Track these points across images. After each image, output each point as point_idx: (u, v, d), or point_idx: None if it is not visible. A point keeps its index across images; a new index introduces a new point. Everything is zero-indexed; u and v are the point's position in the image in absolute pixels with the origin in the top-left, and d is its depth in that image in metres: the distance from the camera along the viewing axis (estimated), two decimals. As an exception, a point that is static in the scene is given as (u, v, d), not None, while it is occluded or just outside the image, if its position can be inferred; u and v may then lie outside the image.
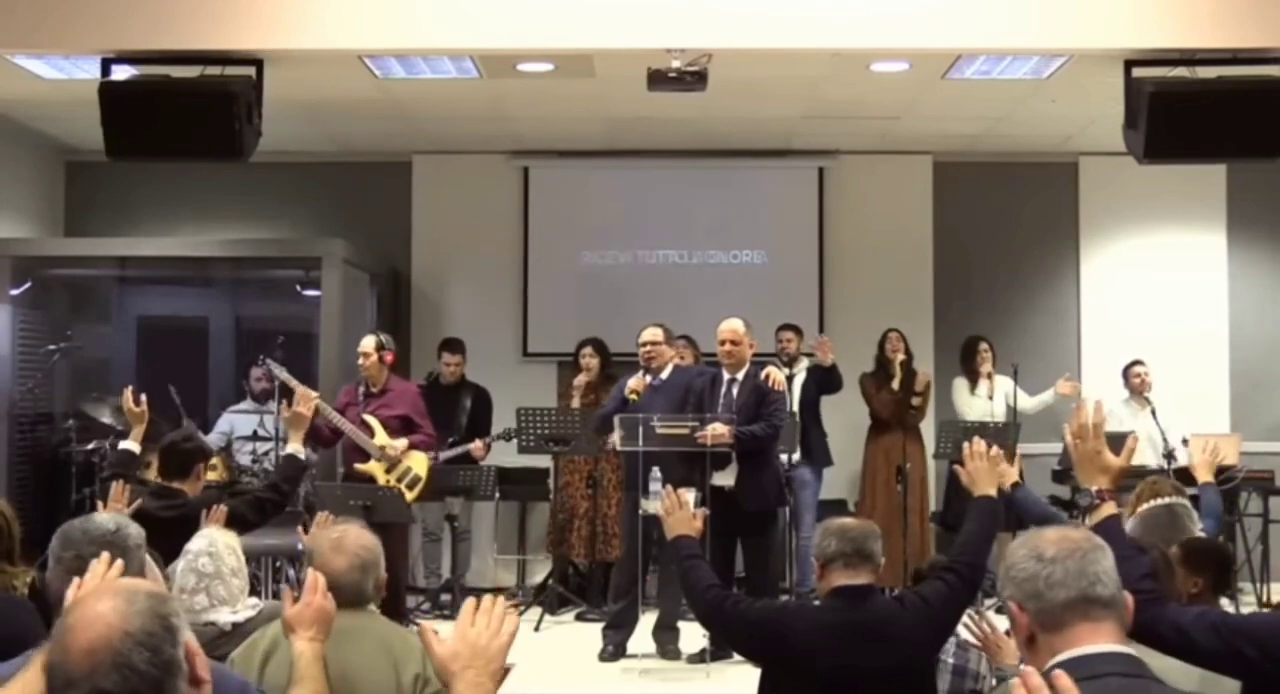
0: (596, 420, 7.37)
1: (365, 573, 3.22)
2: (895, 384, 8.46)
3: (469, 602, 2.15)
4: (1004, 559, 2.28)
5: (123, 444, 5.44)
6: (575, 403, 8.15)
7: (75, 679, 1.76)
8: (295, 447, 5.49)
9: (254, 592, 7.16)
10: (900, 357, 8.53)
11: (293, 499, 6.27)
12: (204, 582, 3.74)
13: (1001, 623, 3.80)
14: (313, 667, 2.73)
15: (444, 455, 7.77)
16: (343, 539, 3.26)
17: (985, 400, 8.53)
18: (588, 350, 8.26)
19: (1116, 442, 3.06)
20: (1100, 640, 2.16)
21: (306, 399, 5.63)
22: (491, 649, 2.10)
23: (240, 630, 3.67)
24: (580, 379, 8.21)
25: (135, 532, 3.06)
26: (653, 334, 7.16)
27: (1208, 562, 3.68)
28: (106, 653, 1.76)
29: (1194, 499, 4.38)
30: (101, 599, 1.84)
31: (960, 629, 3.84)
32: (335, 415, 7.03)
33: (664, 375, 7.14)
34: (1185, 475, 5.61)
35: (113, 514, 3.17)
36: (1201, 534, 4.02)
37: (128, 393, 5.46)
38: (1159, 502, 3.93)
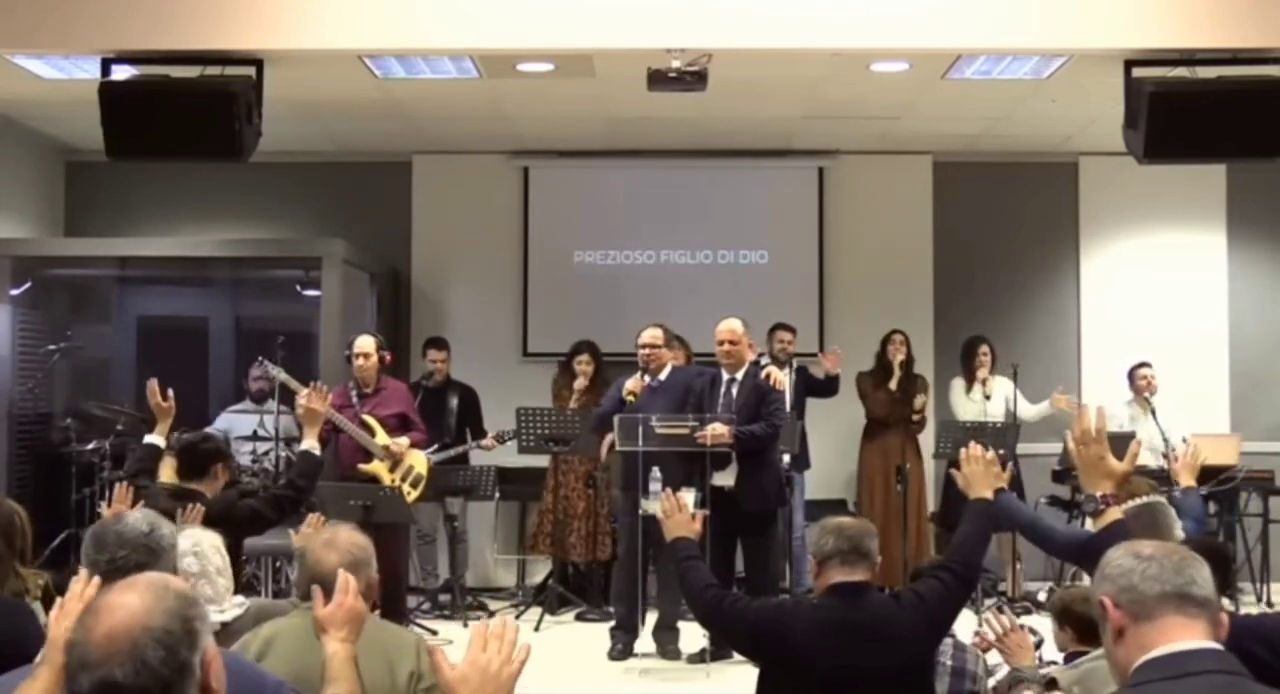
0: (594, 420, 7.36)
1: (357, 570, 3.23)
2: (894, 384, 8.45)
3: (479, 624, 2.13)
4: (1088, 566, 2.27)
5: (148, 438, 5.42)
6: (572, 406, 8.17)
7: (90, 664, 1.78)
8: (311, 442, 5.48)
9: (254, 591, 7.21)
10: (901, 357, 8.54)
11: (309, 496, 6.27)
12: (190, 581, 3.73)
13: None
14: (346, 667, 2.74)
15: (438, 457, 7.74)
16: (335, 537, 3.28)
17: (981, 402, 8.52)
18: (584, 357, 8.27)
19: (1118, 443, 3.06)
20: (1193, 637, 2.13)
21: (318, 395, 5.63)
22: (502, 676, 2.07)
23: (228, 630, 3.66)
24: (579, 383, 8.22)
25: (169, 532, 3.06)
26: (652, 336, 7.15)
27: (1209, 561, 3.67)
28: (124, 642, 1.78)
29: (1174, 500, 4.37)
30: (133, 589, 1.86)
31: (964, 628, 3.84)
32: (338, 417, 7.03)
33: (662, 376, 7.13)
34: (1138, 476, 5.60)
35: (145, 513, 3.15)
36: (1180, 534, 4.00)
37: (153, 386, 5.43)
38: (1137, 501, 3.91)
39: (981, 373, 8.57)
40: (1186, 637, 2.12)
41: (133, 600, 1.83)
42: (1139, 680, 2.12)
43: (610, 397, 7.21)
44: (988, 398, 8.51)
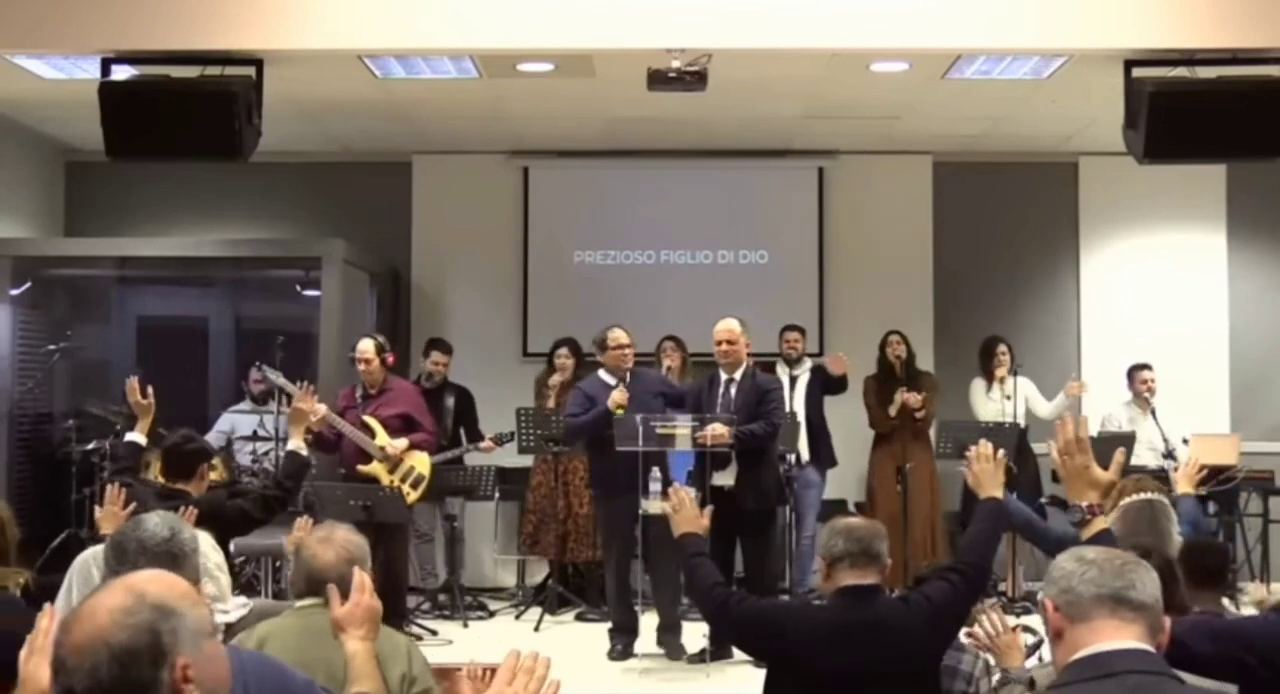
0: (573, 432, 7.25)
1: (353, 567, 3.24)
2: (893, 410, 8.38)
3: (510, 656, 2.06)
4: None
5: (129, 436, 5.44)
6: (550, 403, 8.16)
7: (62, 669, 1.81)
8: (297, 443, 5.52)
9: (254, 591, 7.21)
10: (900, 354, 8.52)
11: (296, 496, 6.27)
12: (196, 582, 3.73)
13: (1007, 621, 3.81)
14: (368, 665, 2.76)
15: (435, 458, 7.72)
16: (331, 534, 3.30)
17: (1000, 401, 8.49)
18: (564, 351, 8.26)
19: (1118, 443, 3.06)
20: (1124, 639, 2.14)
21: (306, 396, 5.65)
22: None
23: (232, 631, 3.66)
24: (555, 379, 8.21)
25: (189, 537, 3.05)
26: (625, 336, 7.13)
27: (1209, 561, 3.68)
28: (86, 656, 1.79)
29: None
30: (113, 594, 1.85)
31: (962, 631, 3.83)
32: (336, 419, 7.03)
33: (627, 378, 7.11)
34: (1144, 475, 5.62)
35: (164, 517, 3.14)
36: (1179, 537, 4.02)
37: (133, 384, 5.43)
38: (1141, 496, 3.92)
39: (1000, 372, 8.54)
40: (1116, 638, 2.14)
41: (105, 609, 1.82)
42: (1063, 680, 2.16)
43: (578, 403, 7.08)
44: (1008, 397, 8.47)
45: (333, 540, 3.26)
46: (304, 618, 3.17)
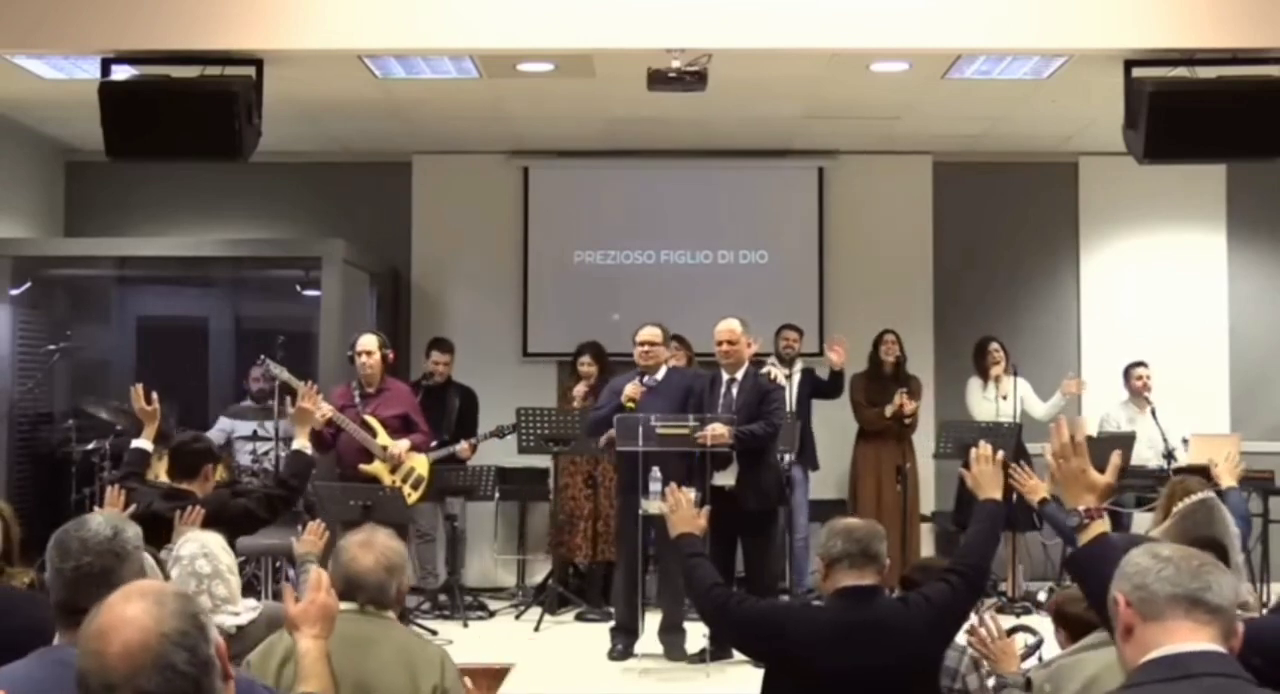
0: (590, 425, 7.27)
1: (391, 574, 3.22)
2: (889, 411, 8.38)
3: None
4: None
5: (135, 443, 5.39)
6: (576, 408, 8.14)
7: (115, 683, 1.75)
8: (302, 442, 5.46)
9: (254, 592, 7.21)
10: (893, 357, 8.53)
11: (301, 495, 6.26)
12: (204, 583, 3.72)
13: (1004, 624, 3.80)
14: (319, 664, 2.73)
15: (431, 457, 7.71)
16: (372, 538, 3.27)
17: (995, 401, 8.48)
18: (586, 358, 8.23)
19: (1118, 443, 3.05)
20: (1198, 641, 2.12)
21: (311, 395, 5.63)
22: None
23: (244, 633, 3.65)
24: (580, 388, 8.18)
25: (133, 534, 3.02)
26: (651, 333, 7.10)
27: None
28: (146, 655, 1.76)
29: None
30: (129, 602, 1.82)
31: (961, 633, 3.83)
32: (342, 419, 7.02)
33: (659, 376, 7.08)
34: (1187, 474, 5.63)
35: (108, 516, 3.11)
36: (1235, 530, 4.03)
37: (138, 390, 5.40)
38: (1193, 499, 3.93)
39: (995, 371, 8.53)
40: (1191, 640, 2.12)
41: (136, 612, 1.79)
42: (1136, 680, 2.13)
43: (605, 401, 7.12)
44: (1004, 398, 8.46)
45: (373, 545, 3.23)
46: (343, 623, 3.16)
